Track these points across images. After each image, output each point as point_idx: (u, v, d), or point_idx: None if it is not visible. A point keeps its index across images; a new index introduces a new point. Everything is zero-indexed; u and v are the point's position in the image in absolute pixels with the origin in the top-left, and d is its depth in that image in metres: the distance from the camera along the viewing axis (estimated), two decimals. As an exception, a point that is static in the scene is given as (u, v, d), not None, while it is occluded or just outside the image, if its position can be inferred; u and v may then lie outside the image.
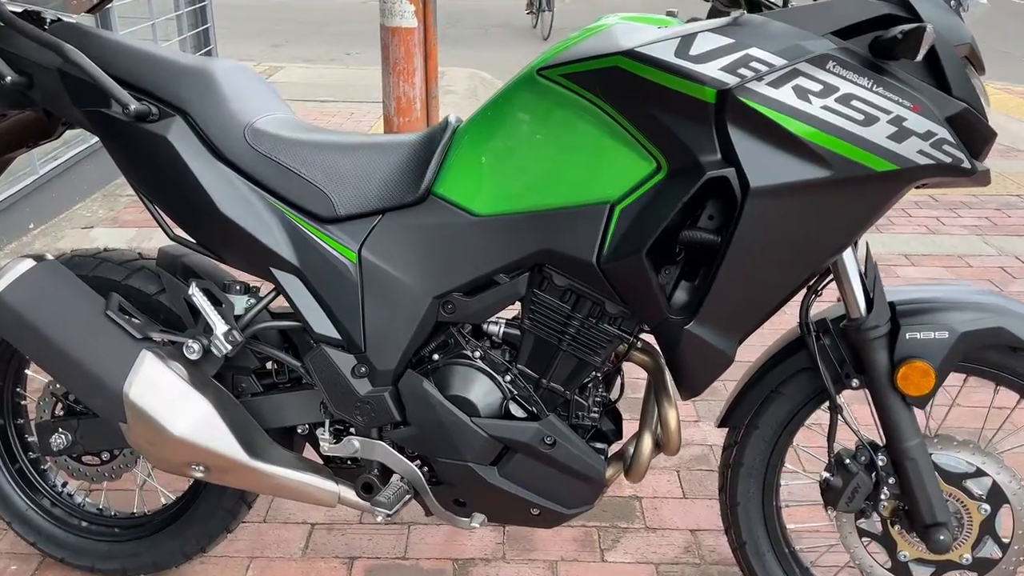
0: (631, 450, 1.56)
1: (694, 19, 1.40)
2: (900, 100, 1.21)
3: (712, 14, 1.45)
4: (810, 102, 1.20)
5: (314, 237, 1.46)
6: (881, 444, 1.46)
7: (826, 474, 1.46)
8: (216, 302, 1.50)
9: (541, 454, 1.45)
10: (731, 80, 1.22)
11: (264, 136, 1.48)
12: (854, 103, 1.20)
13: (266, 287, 1.55)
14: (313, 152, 1.48)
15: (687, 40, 1.24)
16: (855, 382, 1.43)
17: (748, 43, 1.22)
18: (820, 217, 1.26)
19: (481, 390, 1.47)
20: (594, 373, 1.47)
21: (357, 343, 1.47)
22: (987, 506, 1.43)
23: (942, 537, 1.39)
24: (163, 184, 1.48)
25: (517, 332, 1.48)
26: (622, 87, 1.29)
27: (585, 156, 1.35)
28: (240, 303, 1.52)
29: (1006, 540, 1.44)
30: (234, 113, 1.48)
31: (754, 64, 1.21)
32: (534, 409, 1.47)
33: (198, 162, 1.45)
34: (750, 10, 1.36)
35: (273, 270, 1.47)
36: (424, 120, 4.81)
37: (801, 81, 1.20)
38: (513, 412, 1.47)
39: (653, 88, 1.26)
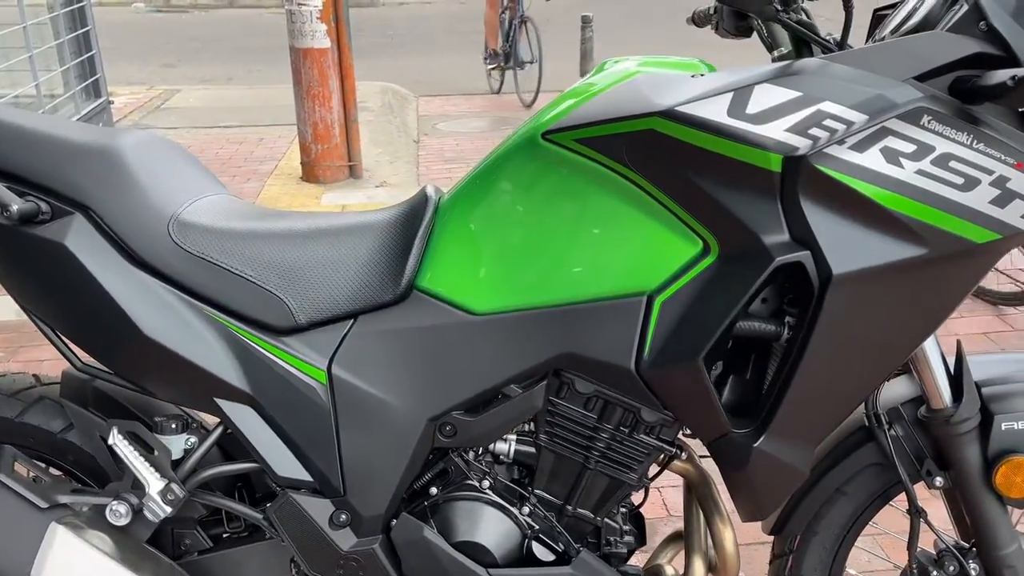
0: (668, 569, 1.31)
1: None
2: (1003, 157, 0.98)
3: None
4: (902, 166, 0.97)
5: (269, 355, 1.15)
6: (967, 547, 1.24)
7: (909, 588, 1.24)
8: (146, 448, 1.17)
9: None
10: (801, 144, 0.97)
11: (194, 230, 1.15)
12: (952, 164, 0.97)
13: (208, 419, 1.22)
14: (259, 245, 1.16)
15: (741, 95, 0.99)
16: (939, 480, 1.21)
17: (818, 96, 0.97)
18: (910, 302, 1.03)
19: (496, 530, 1.19)
20: (629, 492, 1.21)
21: (334, 485, 1.16)
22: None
23: None
24: (64, 303, 1.14)
25: (532, 450, 1.20)
26: (659, 154, 1.03)
27: (611, 237, 1.08)
28: (177, 445, 1.20)
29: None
30: (152, 203, 1.15)
31: (828, 123, 0.97)
32: (561, 546, 1.20)
33: (109, 272, 1.11)
34: (798, 52, 1.12)
35: (219, 401, 1.15)
36: (344, 146, 4.47)
37: (890, 141, 0.96)
38: (537, 554, 1.19)
39: (700, 155, 1.00)
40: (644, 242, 1.07)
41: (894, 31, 1.11)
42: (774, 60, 1.24)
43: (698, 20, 1.53)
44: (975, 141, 0.97)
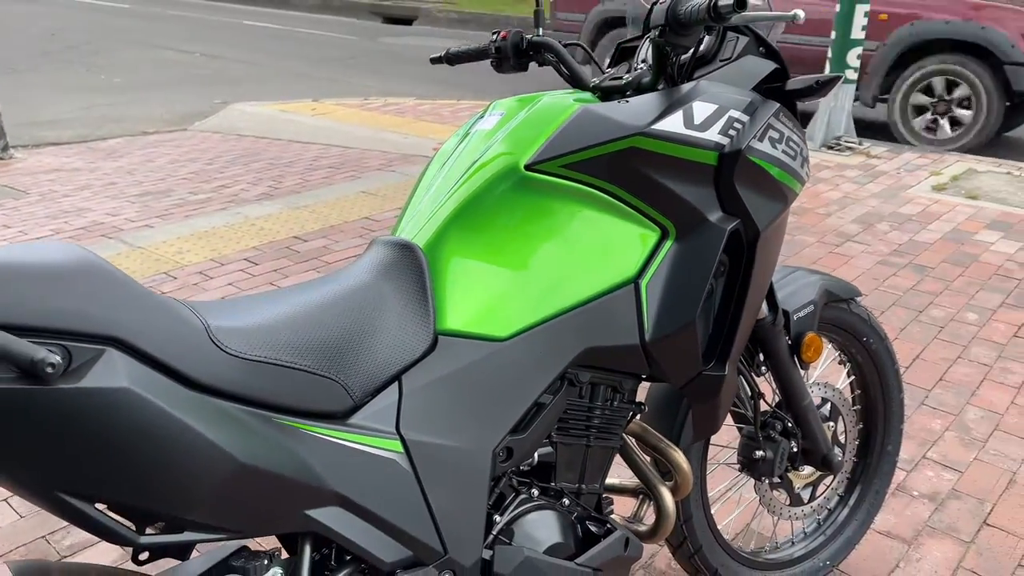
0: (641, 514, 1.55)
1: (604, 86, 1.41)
2: (799, 132, 1.47)
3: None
4: (777, 148, 1.38)
5: (345, 443, 1.05)
6: (776, 409, 1.76)
7: (760, 452, 1.70)
8: None
9: (624, 559, 1.35)
10: (725, 141, 1.31)
11: (235, 333, 0.98)
12: (790, 143, 1.43)
13: (268, 542, 1.04)
14: (301, 331, 1.05)
15: (687, 111, 1.29)
16: (763, 368, 1.69)
17: (726, 106, 1.33)
18: (776, 243, 1.46)
19: (559, 528, 1.29)
20: (613, 456, 1.42)
21: (435, 548, 1.13)
22: (831, 423, 1.86)
23: (838, 457, 1.78)
24: (121, 464, 0.86)
25: (549, 449, 1.33)
26: (635, 165, 1.26)
27: (594, 241, 1.28)
28: None
29: (842, 442, 1.90)
30: (175, 314, 0.94)
31: (736, 124, 1.33)
32: (594, 524, 1.35)
33: (178, 404, 0.89)
34: (655, 79, 1.43)
35: (309, 513, 1.01)
36: None
37: (771, 133, 1.37)
38: (594, 531, 1.32)
39: (666, 161, 1.27)
40: (620, 238, 1.29)
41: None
42: (595, 87, 1.52)
43: (452, 59, 1.73)
44: (792, 126, 1.44)
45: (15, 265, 0.84)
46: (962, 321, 3.36)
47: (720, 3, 1.15)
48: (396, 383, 1.12)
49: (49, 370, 0.79)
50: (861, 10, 5.86)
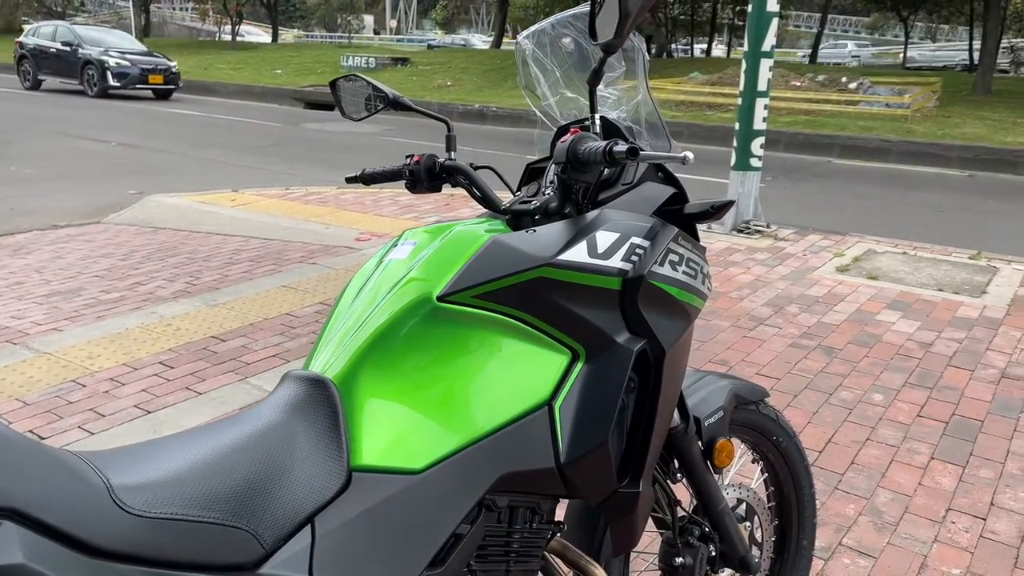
0: None
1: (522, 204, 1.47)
2: (698, 252, 1.55)
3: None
4: (677, 271, 1.45)
5: None
6: (693, 514, 1.79)
7: (680, 559, 1.72)
8: None
9: None
10: (628, 267, 1.37)
11: (139, 491, 0.96)
12: (690, 263, 1.50)
13: None
14: (206, 480, 1.03)
15: (591, 240, 1.34)
16: (679, 475, 1.72)
17: (629, 234, 1.39)
18: (684, 357, 1.52)
19: (480, 662, 1.27)
20: None
21: None
22: (748, 523, 1.91)
23: (756, 559, 1.81)
24: None
25: (468, 580, 1.32)
26: (543, 293, 1.30)
27: (507, 366, 1.31)
28: None
29: (759, 541, 1.94)
30: (73, 474, 0.92)
31: (637, 250, 1.39)
32: None
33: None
34: (561, 203, 1.49)
35: None
36: None
37: (670, 256, 1.44)
38: None
39: (573, 288, 1.32)
40: (532, 363, 1.33)
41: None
42: (505, 209, 1.58)
43: (368, 179, 1.78)
44: (692, 247, 1.52)
45: None
46: (869, 402, 3.50)
47: (615, 149, 1.22)
48: (309, 525, 1.11)
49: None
50: (761, 103, 6.21)
